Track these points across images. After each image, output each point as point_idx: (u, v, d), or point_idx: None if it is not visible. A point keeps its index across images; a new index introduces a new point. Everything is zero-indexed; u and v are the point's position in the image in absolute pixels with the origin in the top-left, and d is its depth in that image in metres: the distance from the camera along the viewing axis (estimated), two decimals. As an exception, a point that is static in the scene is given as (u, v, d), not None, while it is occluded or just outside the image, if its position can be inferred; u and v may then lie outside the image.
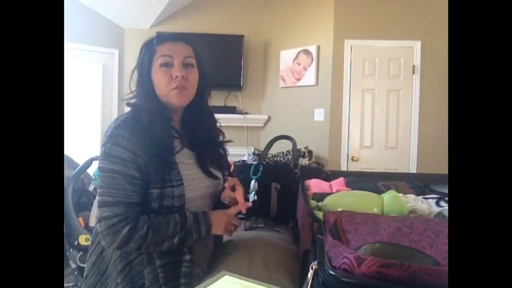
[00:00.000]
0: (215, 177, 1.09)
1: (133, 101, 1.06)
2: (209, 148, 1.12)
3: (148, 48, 1.04)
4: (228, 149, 1.20)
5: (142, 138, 0.95)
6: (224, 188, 1.12)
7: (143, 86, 1.04)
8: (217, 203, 1.13)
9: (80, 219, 1.98)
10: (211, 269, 1.05)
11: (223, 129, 1.20)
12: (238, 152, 3.46)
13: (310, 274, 0.61)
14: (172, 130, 1.03)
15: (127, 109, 1.07)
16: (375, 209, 0.98)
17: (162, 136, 0.98)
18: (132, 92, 1.07)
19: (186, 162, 1.03)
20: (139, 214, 0.95)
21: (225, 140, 1.18)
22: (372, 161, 3.49)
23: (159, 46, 1.04)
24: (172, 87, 1.01)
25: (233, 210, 1.05)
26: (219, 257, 1.08)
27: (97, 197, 0.97)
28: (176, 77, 1.01)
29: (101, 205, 0.94)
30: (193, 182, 1.03)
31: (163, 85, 1.01)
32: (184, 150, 1.04)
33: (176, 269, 0.98)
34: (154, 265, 0.96)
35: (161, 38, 1.05)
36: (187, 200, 0.99)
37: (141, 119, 0.98)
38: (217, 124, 1.18)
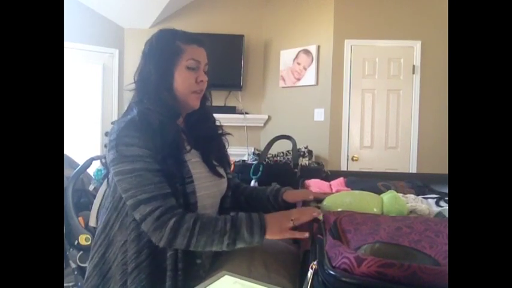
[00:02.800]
0: (220, 176, 1.09)
1: (132, 93, 1.05)
2: (211, 144, 1.12)
3: (172, 45, 1.01)
4: (228, 149, 1.21)
5: (152, 138, 0.94)
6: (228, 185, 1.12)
7: (159, 81, 1.00)
8: (222, 202, 1.13)
9: (80, 219, 1.97)
10: (211, 269, 1.05)
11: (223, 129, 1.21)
12: (238, 152, 3.46)
13: (310, 274, 0.61)
14: (180, 130, 1.03)
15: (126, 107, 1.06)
16: (375, 209, 0.98)
17: (173, 136, 0.97)
18: (134, 82, 1.04)
19: (193, 160, 1.03)
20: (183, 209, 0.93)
21: (224, 132, 1.18)
22: (372, 161, 3.49)
23: (187, 46, 1.02)
24: (195, 90, 1.03)
25: (296, 213, 0.93)
26: (219, 257, 1.08)
27: (128, 201, 0.93)
28: (201, 81, 1.03)
29: (138, 204, 0.91)
30: (201, 180, 1.02)
31: (187, 86, 1.02)
32: (192, 149, 1.04)
33: (188, 273, 0.97)
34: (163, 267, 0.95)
35: (189, 38, 1.03)
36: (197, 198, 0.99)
37: (149, 120, 0.96)
38: (217, 122, 1.18)
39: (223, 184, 1.11)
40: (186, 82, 1.01)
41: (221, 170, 1.11)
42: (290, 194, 1.14)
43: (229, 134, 1.20)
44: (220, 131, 1.17)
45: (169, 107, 1.00)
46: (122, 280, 0.96)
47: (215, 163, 1.10)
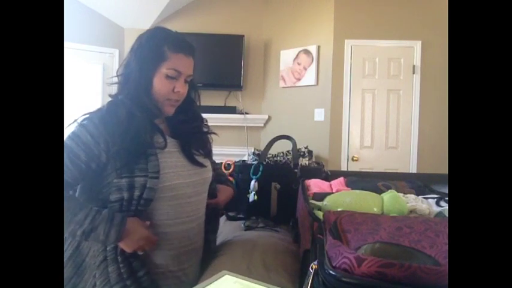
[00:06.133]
0: (201, 165, 1.10)
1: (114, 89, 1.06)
2: (193, 136, 1.12)
3: (159, 49, 1.01)
4: (228, 149, 1.21)
5: (113, 128, 0.95)
6: (213, 175, 1.16)
7: (138, 83, 1.01)
8: (211, 195, 1.15)
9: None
10: (211, 268, 1.04)
11: (223, 129, 1.22)
12: (238, 152, 3.46)
13: (310, 274, 0.61)
14: (154, 126, 1.03)
15: None
16: (375, 209, 0.98)
17: (137, 130, 0.97)
18: (117, 76, 1.05)
19: (168, 150, 1.03)
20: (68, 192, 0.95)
21: (210, 131, 1.19)
22: (372, 161, 3.49)
23: (173, 54, 1.01)
24: (170, 98, 1.03)
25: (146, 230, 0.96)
26: (218, 257, 1.08)
27: None
28: (178, 91, 1.03)
29: None
30: (177, 169, 1.03)
31: (163, 94, 1.02)
32: (168, 139, 1.04)
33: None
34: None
35: (177, 46, 1.02)
36: (170, 187, 0.99)
37: (116, 111, 0.99)
38: (205, 120, 1.18)
39: (205, 173, 1.12)
40: (162, 89, 1.02)
41: (203, 160, 1.12)
42: (220, 193, 1.22)
43: (214, 133, 1.21)
44: (206, 129, 1.18)
45: (145, 107, 1.01)
46: (93, 272, 0.97)
47: (196, 152, 1.10)
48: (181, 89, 1.03)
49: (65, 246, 1.05)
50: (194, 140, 1.12)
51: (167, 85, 1.02)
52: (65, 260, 1.04)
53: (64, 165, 0.93)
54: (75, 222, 0.90)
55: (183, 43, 1.04)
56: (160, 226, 1.01)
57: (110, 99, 1.07)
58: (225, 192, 1.24)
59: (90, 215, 0.91)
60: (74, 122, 0.99)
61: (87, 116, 0.99)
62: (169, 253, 1.01)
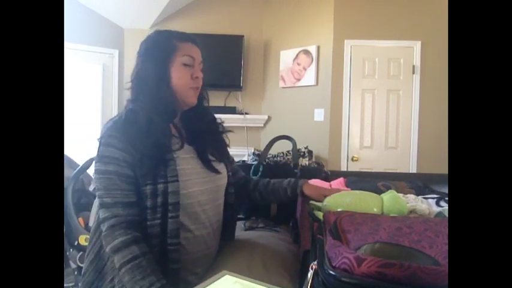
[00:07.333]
0: (217, 171, 1.09)
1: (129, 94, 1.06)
2: (208, 139, 1.11)
3: (168, 43, 1.04)
4: (228, 149, 1.20)
5: (133, 137, 0.95)
6: (229, 177, 1.13)
7: (156, 78, 1.01)
8: (225, 197, 1.13)
9: (80, 219, 1.97)
10: (211, 268, 1.05)
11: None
12: (238, 152, 3.45)
13: (310, 274, 0.61)
14: (173, 128, 1.04)
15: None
16: (375, 209, 0.98)
17: (157, 135, 0.97)
18: (131, 81, 1.05)
19: (184, 156, 1.03)
20: (140, 234, 0.93)
21: (225, 130, 1.19)
22: (372, 161, 3.49)
23: (181, 44, 1.04)
24: (192, 86, 1.05)
25: None
26: (218, 256, 1.08)
27: (97, 199, 0.97)
28: (197, 77, 1.05)
29: (101, 207, 0.95)
30: (193, 176, 1.02)
31: (184, 83, 1.03)
32: (184, 146, 1.04)
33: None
34: None
35: (183, 37, 1.06)
36: (187, 195, 0.99)
37: (136, 119, 0.98)
38: (218, 120, 1.19)
39: (220, 180, 1.11)
40: (182, 78, 1.03)
41: (219, 166, 1.10)
42: (308, 188, 1.17)
43: (230, 131, 1.20)
44: (220, 129, 1.18)
45: (166, 103, 1.01)
46: (111, 276, 0.97)
47: (212, 158, 1.09)
48: (199, 74, 1.06)
49: (87, 252, 1.06)
50: (209, 143, 1.11)
51: (185, 73, 1.04)
52: (87, 264, 1.05)
53: (124, 191, 0.94)
54: (140, 285, 0.88)
55: (187, 34, 1.08)
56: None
57: (116, 101, 1.07)
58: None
59: (155, 285, 0.88)
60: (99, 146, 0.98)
61: (108, 132, 0.97)
62: (184, 258, 1.00)
